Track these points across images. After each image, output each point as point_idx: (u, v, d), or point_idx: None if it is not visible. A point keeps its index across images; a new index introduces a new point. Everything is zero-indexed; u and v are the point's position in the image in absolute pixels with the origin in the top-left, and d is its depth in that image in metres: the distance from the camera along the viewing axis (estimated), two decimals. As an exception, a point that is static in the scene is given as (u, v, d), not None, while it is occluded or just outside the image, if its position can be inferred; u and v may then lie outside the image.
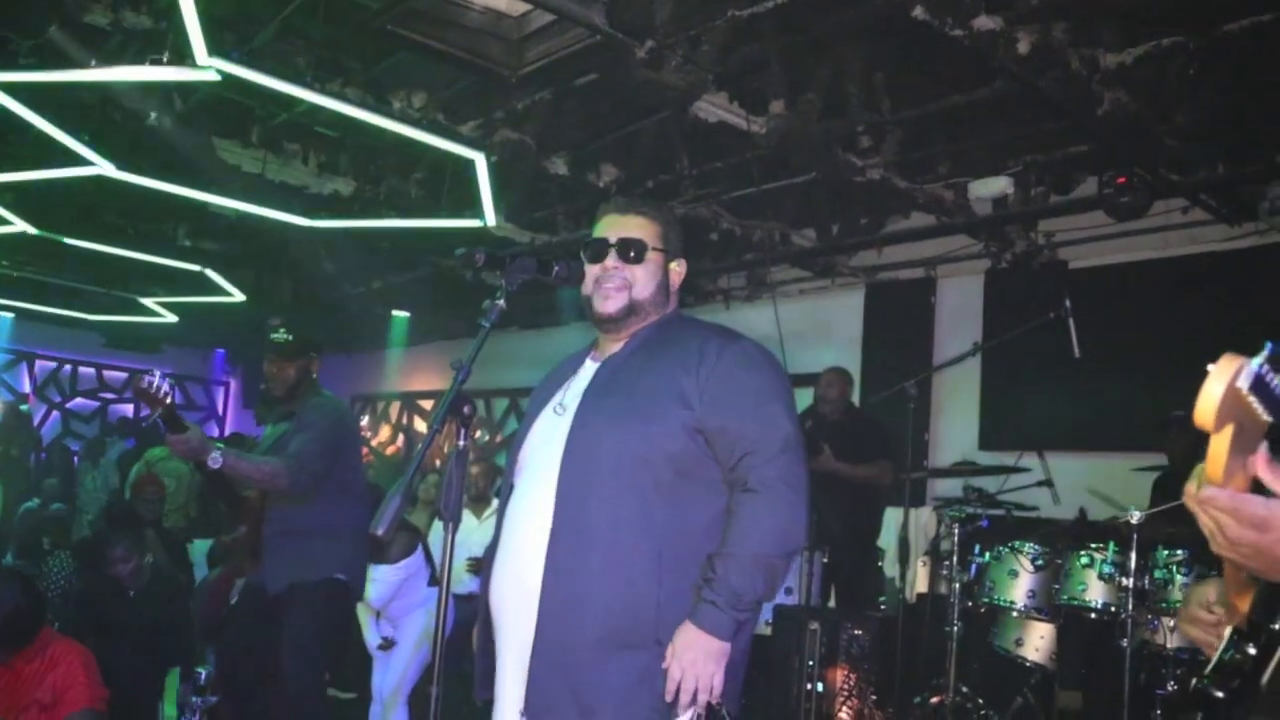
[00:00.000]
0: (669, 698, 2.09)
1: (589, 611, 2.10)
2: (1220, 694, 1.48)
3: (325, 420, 4.19)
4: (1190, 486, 1.27)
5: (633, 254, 2.33)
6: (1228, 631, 1.51)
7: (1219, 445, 1.19)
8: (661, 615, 2.11)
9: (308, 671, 4.08)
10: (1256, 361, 1.13)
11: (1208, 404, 1.15)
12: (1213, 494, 1.23)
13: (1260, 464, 1.22)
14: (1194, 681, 1.53)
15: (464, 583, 6.27)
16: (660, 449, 2.15)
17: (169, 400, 3.72)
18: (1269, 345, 1.15)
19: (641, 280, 2.33)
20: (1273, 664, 1.45)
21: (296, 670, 4.04)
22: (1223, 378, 1.14)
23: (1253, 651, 1.45)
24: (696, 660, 2.07)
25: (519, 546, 2.22)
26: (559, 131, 5.75)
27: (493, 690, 2.28)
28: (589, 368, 2.38)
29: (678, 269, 2.42)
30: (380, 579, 4.94)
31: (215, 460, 3.76)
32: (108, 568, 5.03)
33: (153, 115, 5.76)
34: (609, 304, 2.32)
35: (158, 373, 3.73)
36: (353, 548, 4.21)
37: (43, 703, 3.61)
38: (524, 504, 2.25)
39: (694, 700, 2.08)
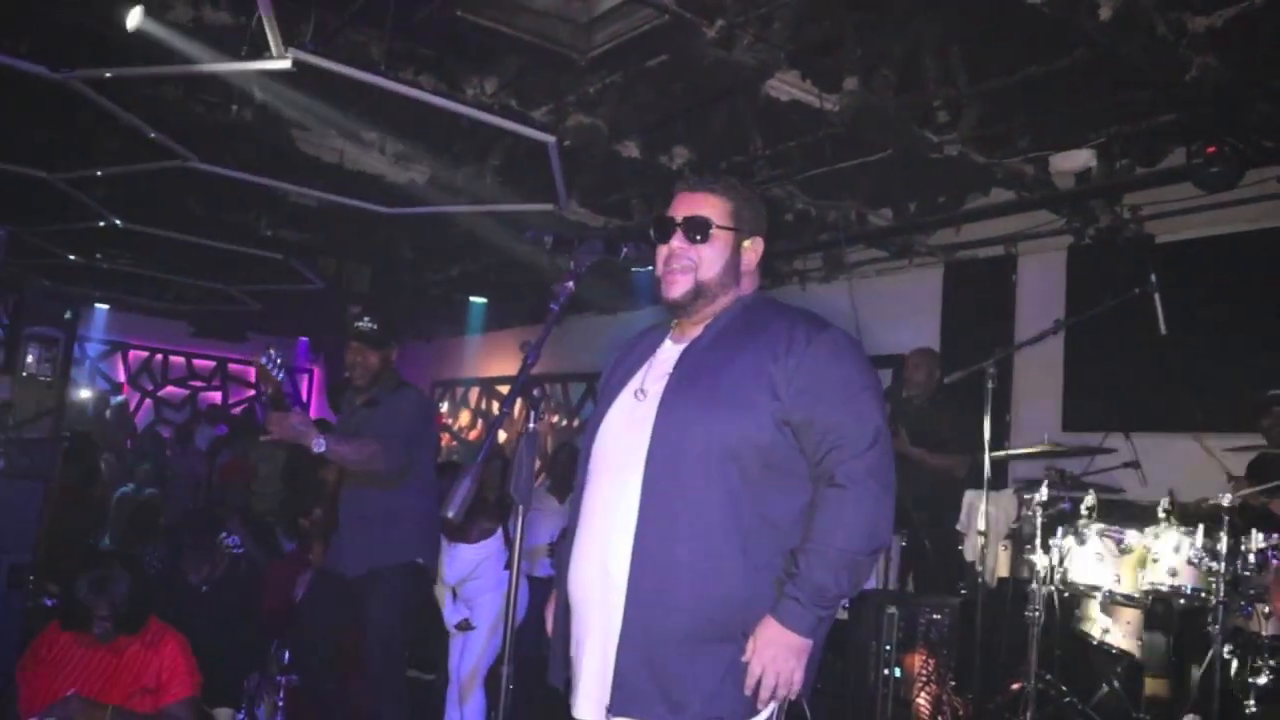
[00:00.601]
0: (748, 692, 2.07)
1: (678, 605, 2.08)
2: None
3: (411, 408, 4.31)
4: None
5: (698, 233, 2.27)
6: None
7: None
8: (749, 609, 2.09)
9: (390, 653, 4.18)
10: None
11: None
12: None
13: None
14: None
15: (541, 565, 6.33)
16: (749, 441, 2.11)
17: (280, 379, 3.81)
18: None
19: (708, 260, 2.27)
20: None
21: (379, 652, 4.14)
22: None
23: None
24: (778, 657, 2.06)
25: (602, 535, 2.19)
26: (630, 114, 5.73)
27: (568, 675, 2.28)
28: (669, 350, 2.32)
29: (751, 247, 2.33)
30: (459, 558, 5.01)
31: (319, 444, 3.80)
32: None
33: (234, 108, 5.91)
34: (674, 289, 2.28)
35: (273, 351, 3.81)
36: (427, 532, 4.33)
37: (148, 687, 3.71)
38: (607, 492, 2.22)
39: (773, 695, 2.08)
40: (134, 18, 4.39)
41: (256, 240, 8.96)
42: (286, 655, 5.19)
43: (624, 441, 2.22)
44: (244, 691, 5.17)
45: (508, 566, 5.31)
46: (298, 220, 8.50)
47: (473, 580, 5.11)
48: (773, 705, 2.09)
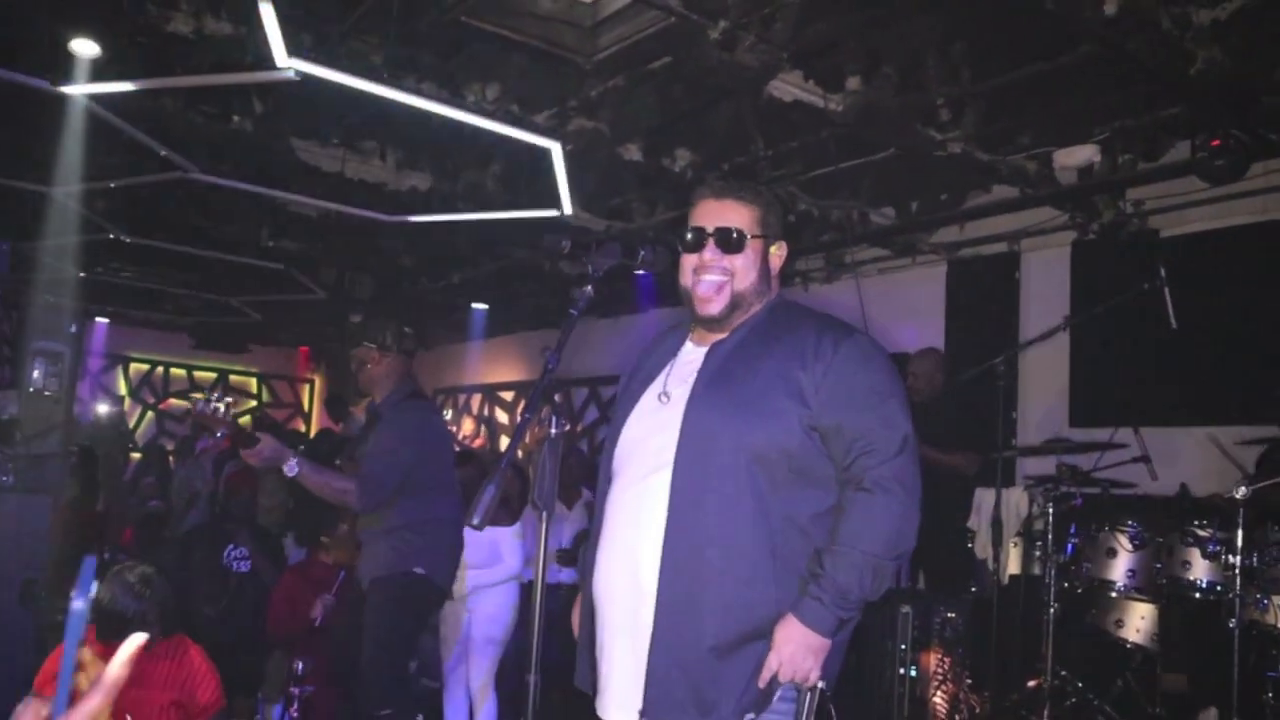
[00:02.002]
0: (762, 685, 2.08)
1: (709, 612, 2.09)
2: None
3: (400, 435, 4.24)
4: None
5: (733, 244, 2.24)
6: None
7: None
8: (780, 610, 2.10)
9: (384, 661, 4.16)
10: None
11: None
12: None
13: None
14: None
15: (551, 572, 6.32)
16: (777, 445, 2.11)
17: (229, 417, 3.85)
18: None
19: (742, 270, 2.25)
20: None
21: (373, 660, 4.15)
22: None
23: None
24: (796, 654, 2.07)
25: (629, 540, 2.19)
26: (633, 118, 5.71)
27: (594, 679, 2.27)
28: (692, 353, 2.30)
29: (778, 253, 2.33)
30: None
31: (291, 468, 3.87)
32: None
33: (235, 119, 5.91)
34: (711, 306, 2.25)
35: (209, 396, 3.85)
36: (434, 541, 4.25)
37: (179, 703, 3.67)
38: (632, 496, 2.21)
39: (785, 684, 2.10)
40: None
41: (257, 250, 8.94)
42: (300, 666, 5.17)
43: (649, 445, 2.21)
44: (258, 701, 5.17)
45: (529, 564, 5.35)
46: (298, 230, 8.49)
47: (477, 569, 5.13)
48: (808, 696, 2.10)
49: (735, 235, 2.24)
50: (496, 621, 5.30)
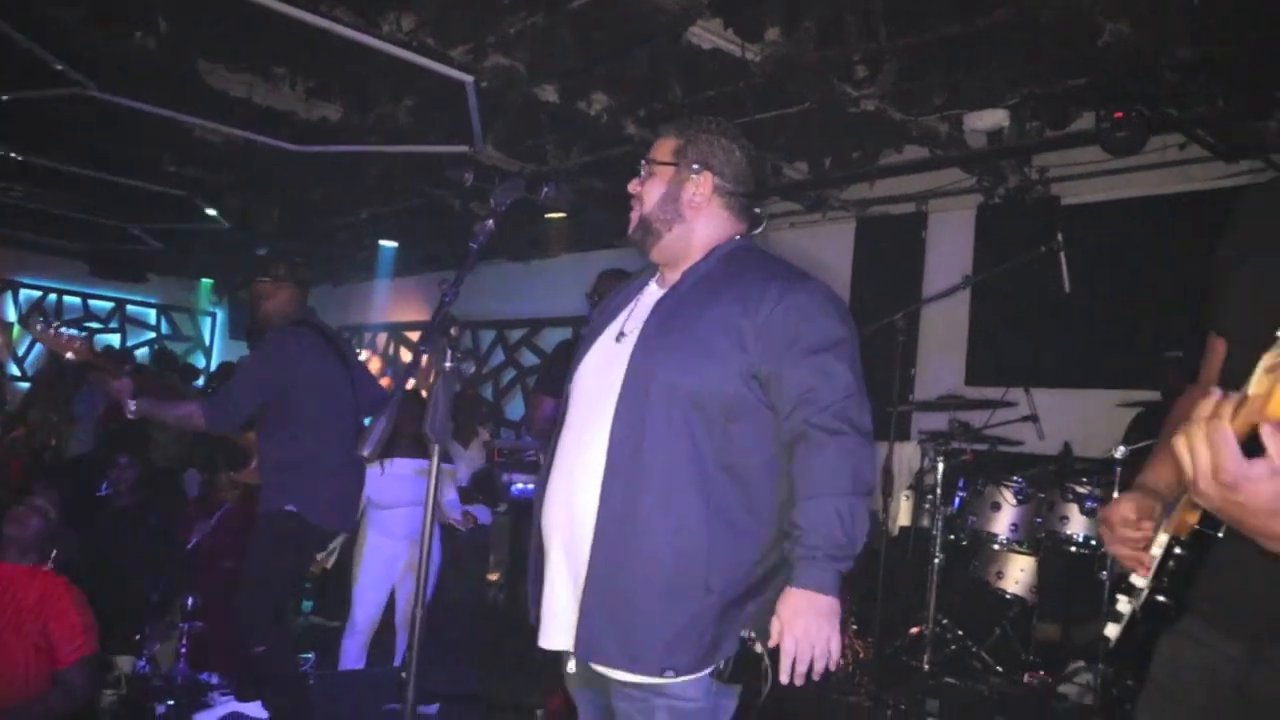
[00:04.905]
0: (784, 679, 2.00)
1: (640, 558, 2.06)
2: (1164, 599, 1.50)
3: (259, 358, 4.23)
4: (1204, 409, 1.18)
5: (642, 171, 2.33)
6: (1164, 538, 1.51)
7: None
8: (711, 561, 2.06)
9: (257, 599, 4.12)
10: None
11: None
12: (1218, 431, 1.14)
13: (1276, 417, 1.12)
14: (1143, 591, 1.55)
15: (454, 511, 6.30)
16: (714, 391, 2.08)
17: (77, 345, 3.80)
18: None
19: (647, 196, 2.31)
20: (1202, 567, 1.47)
21: (247, 596, 4.12)
22: None
23: (1188, 555, 1.46)
24: (810, 627, 1.98)
25: (571, 477, 2.19)
26: (550, 58, 5.63)
27: (538, 613, 2.26)
28: (652, 294, 2.32)
29: (697, 180, 2.28)
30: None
31: (130, 407, 3.83)
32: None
33: (136, 35, 5.67)
34: (629, 226, 2.34)
35: (49, 319, 3.77)
36: (311, 479, 4.15)
37: (39, 645, 3.62)
38: (579, 434, 2.21)
39: (812, 669, 1.98)
40: None
41: (159, 176, 8.64)
42: (190, 601, 5.11)
43: (599, 381, 2.21)
44: (143, 638, 5.09)
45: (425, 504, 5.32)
46: (203, 156, 8.20)
47: (389, 509, 5.11)
48: (726, 658, 2.05)
49: (644, 163, 2.33)
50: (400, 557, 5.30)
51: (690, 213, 2.29)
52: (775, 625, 1.99)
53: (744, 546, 2.09)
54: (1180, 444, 1.20)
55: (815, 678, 1.97)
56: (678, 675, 2.02)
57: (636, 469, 2.08)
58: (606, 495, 2.09)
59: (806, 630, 1.97)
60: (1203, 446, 1.16)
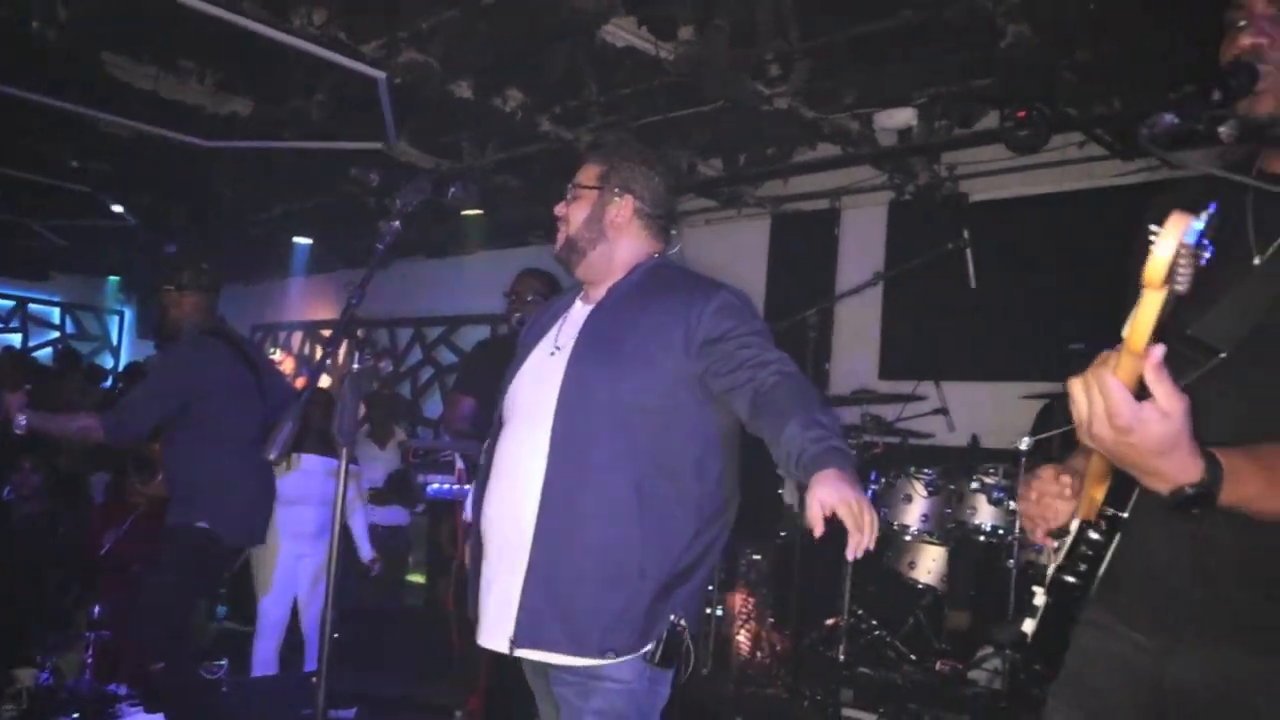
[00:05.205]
0: (818, 531, 1.91)
1: (578, 551, 2.22)
2: (1071, 579, 1.56)
3: (162, 368, 4.16)
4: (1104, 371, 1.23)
5: (569, 196, 2.51)
6: (1076, 524, 1.57)
7: (1153, 307, 1.16)
8: (645, 548, 2.22)
9: (157, 616, 3.99)
10: (1199, 224, 1.11)
11: (1161, 258, 1.12)
12: (1105, 379, 1.21)
13: (1153, 362, 1.19)
14: (1049, 569, 1.61)
15: (372, 512, 6.23)
16: (650, 395, 2.26)
17: None
18: (1212, 205, 1.12)
19: (573, 218, 2.48)
20: (1110, 551, 1.53)
21: (147, 610, 4.01)
22: (1175, 234, 1.11)
23: (1098, 538, 1.52)
24: (836, 485, 1.92)
25: (513, 481, 2.33)
26: (465, 54, 5.59)
27: (476, 611, 2.39)
28: (580, 310, 2.48)
29: (619, 204, 2.46)
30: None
31: (20, 425, 3.69)
32: None
33: (34, 24, 5.48)
34: (556, 246, 2.51)
35: None
36: (221, 493, 4.05)
37: None
38: (518, 440, 2.37)
39: (853, 516, 1.88)
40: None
41: (62, 172, 8.37)
42: (97, 610, 4.98)
43: (536, 393, 2.37)
44: (46, 649, 4.95)
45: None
46: (108, 151, 7.98)
47: (300, 505, 5.03)
48: (655, 640, 2.21)
49: (570, 188, 2.52)
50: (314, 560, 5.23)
51: (613, 233, 2.47)
52: (813, 508, 1.91)
53: (674, 536, 2.27)
54: (1075, 387, 1.27)
55: (869, 541, 1.90)
56: (617, 656, 2.18)
57: (576, 469, 2.25)
58: (548, 493, 2.24)
59: (832, 490, 1.91)
60: (1096, 393, 1.23)
